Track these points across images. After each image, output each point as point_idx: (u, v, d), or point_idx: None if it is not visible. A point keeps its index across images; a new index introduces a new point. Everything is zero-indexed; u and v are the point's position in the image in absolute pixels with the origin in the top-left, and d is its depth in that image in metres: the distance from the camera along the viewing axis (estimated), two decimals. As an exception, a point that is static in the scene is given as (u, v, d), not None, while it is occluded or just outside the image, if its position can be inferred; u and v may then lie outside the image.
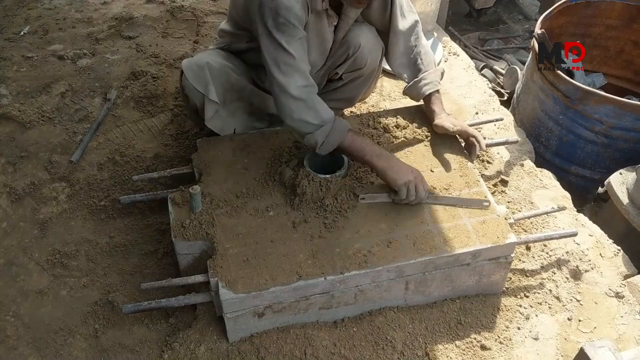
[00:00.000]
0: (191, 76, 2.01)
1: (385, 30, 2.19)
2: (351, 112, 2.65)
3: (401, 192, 1.83)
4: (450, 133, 2.08)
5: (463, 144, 2.11)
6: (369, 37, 2.21)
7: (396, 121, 2.19)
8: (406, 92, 2.22)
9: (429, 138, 2.14)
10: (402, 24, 2.14)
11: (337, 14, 2.03)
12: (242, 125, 2.20)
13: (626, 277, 2.04)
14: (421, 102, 2.19)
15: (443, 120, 2.09)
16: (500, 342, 1.84)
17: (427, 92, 2.12)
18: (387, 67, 2.93)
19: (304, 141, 1.87)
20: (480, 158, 2.44)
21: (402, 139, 2.14)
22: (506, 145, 2.47)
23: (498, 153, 2.49)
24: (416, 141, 2.13)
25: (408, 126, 2.18)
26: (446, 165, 2.04)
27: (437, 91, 2.14)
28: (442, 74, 2.18)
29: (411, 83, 2.17)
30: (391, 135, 2.14)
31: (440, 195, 1.92)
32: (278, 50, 1.78)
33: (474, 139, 2.05)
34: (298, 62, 1.80)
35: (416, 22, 2.16)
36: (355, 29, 2.19)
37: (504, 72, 3.33)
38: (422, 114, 2.22)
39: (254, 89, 2.17)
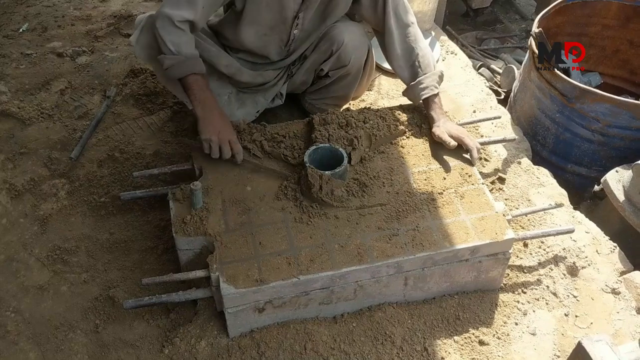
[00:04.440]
0: (137, 30, 2.08)
1: (381, 29, 2.20)
2: (348, 109, 2.66)
3: (203, 146, 1.91)
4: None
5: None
6: (353, 34, 2.23)
7: (395, 117, 2.20)
8: (404, 95, 2.24)
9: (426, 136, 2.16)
10: (396, 23, 2.15)
11: None
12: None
13: (622, 273, 2.06)
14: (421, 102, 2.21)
15: (441, 131, 2.07)
16: (498, 338, 1.86)
17: (424, 97, 2.13)
18: (384, 66, 2.96)
19: (158, 57, 1.95)
20: (478, 156, 2.46)
21: (402, 136, 2.15)
22: (503, 143, 2.49)
23: (495, 151, 2.51)
24: (416, 137, 2.14)
25: (407, 122, 2.19)
26: (445, 162, 2.06)
27: (436, 95, 2.14)
28: (441, 77, 2.18)
29: (409, 86, 2.19)
30: (391, 130, 2.15)
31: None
32: None
33: (469, 149, 2.05)
34: None
35: (412, 23, 2.17)
36: (341, 25, 2.22)
37: (501, 71, 3.35)
38: (422, 112, 2.23)
39: (218, 50, 2.17)
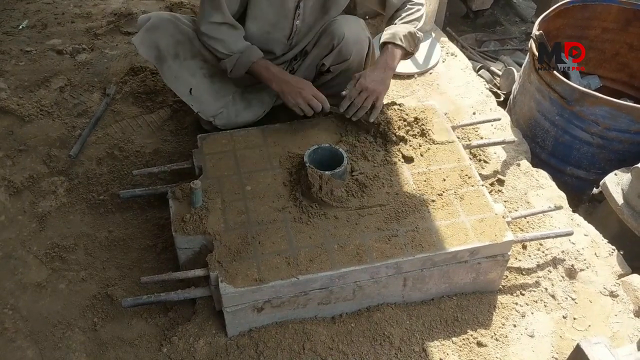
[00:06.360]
0: (141, 31, 2.11)
1: (383, 8, 2.26)
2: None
3: (297, 112, 2.08)
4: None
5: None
6: (353, 28, 2.23)
7: (396, 117, 2.20)
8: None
9: (428, 137, 2.15)
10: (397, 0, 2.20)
11: None
12: (202, 88, 2.19)
13: (620, 276, 2.06)
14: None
15: (356, 81, 2.10)
16: (496, 339, 1.86)
17: (381, 41, 2.16)
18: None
19: (219, 63, 2.11)
20: (477, 157, 2.46)
21: (402, 135, 2.15)
22: (503, 145, 2.49)
23: (495, 153, 2.51)
24: (416, 138, 2.15)
25: (408, 122, 2.19)
26: (445, 164, 2.06)
27: (394, 45, 2.13)
28: (413, 35, 2.15)
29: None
30: (390, 130, 2.16)
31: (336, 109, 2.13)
32: None
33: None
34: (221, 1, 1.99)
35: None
36: (341, 19, 2.22)
37: (500, 73, 3.36)
38: (422, 112, 2.23)
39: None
